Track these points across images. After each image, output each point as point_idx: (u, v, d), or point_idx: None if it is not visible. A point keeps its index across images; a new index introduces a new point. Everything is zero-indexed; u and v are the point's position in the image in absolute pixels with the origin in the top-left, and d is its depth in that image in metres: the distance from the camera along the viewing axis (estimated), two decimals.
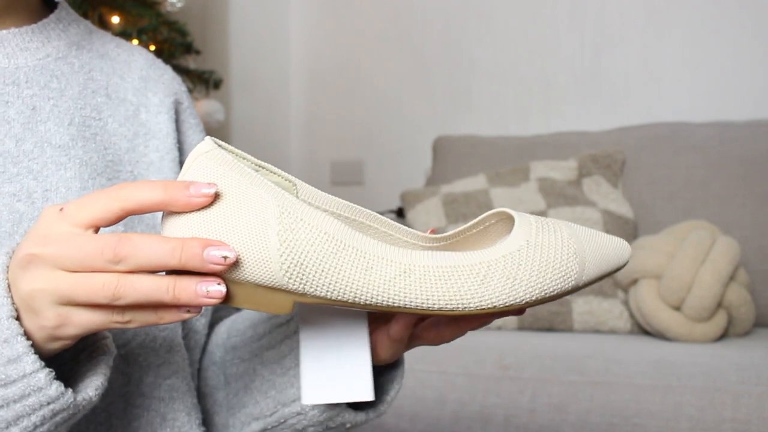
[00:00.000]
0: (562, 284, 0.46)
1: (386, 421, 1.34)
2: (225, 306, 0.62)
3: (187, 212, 0.45)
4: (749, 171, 1.75)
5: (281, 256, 0.44)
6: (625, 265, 0.50)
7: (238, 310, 0.73)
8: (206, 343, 0.71)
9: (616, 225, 1.73)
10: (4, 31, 0.62)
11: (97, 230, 0.45)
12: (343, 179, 2.72)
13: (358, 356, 0.53)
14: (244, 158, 0.48)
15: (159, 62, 0.73)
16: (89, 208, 0.44)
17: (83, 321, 0.44)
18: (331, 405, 0.58)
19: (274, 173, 0.49)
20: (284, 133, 2.79)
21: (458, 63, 2.50)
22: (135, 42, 1.78)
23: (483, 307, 0.46)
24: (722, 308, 1.48)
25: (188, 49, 1.99)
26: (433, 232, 0.52)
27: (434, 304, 0.45)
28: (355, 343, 0.54)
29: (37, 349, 0.46)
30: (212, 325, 0.72)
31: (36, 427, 0.46)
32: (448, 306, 0.45)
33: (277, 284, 0.45)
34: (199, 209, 0.44)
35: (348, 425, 0.60)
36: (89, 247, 0.43)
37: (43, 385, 0.44)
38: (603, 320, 1.60)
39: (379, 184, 2.64)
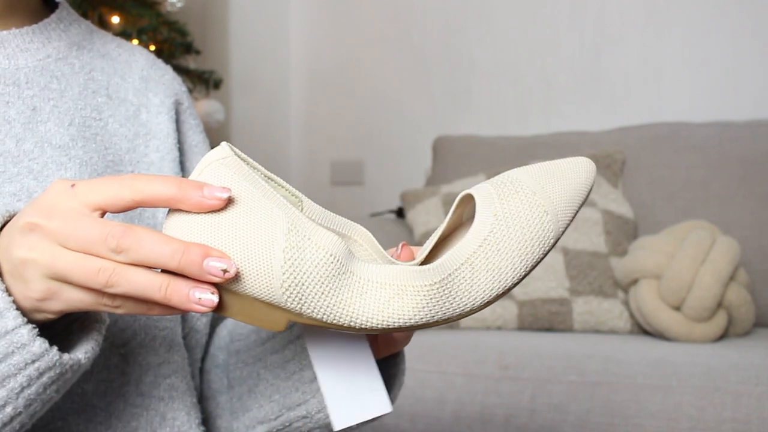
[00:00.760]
0: (543, 247, 0.46)
1: (386, 421, 1.34)
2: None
3: (195, 213, 0.44)
4: (749, 171, 1.75)
5: (284, 273, 0.43)
6: (593, 185, 0.49)
7: None
8: (208, 344, 0.71)
9: (616, 225, 1.73)
10: (5, 32, 0.62)
11: (103, 214, 0.45)
12: (343, 179, 2.72)
13: (369, 374, 0.54)
14: (255, 168, 0.47)
15: (160, 62, 0.73)
16: (101, 191, 0.44)
17: (71, 299, 0.44)
18: None
19: (282, 186, 0.49)
20: (284, 133, 2.79)
21: (458, 63, 2.50)
22: (135, 42, 1.78)
23: (475, 308, 0.46)
24: (722, 308, 1.48)
25: (188, 49, 1.99)
26: (404, 245, 0.51)
27: (430, 319, 0.45)
28: (362, 360, 0.54)
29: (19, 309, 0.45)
30: (213, 326, 0.72)
31: (23, 388, 0.45)
32: (444, 318, 0.45)
33: (274, 301, 0.44)
34: (208, 212, 0.44)
35: (353, 428, 0.61)
36: (95, 231, 0.43)
37: (26, 341, 0.44)
38: (603, 320, 1.60)
39: (379, 184, 2.64)
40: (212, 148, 0.75)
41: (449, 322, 0.46)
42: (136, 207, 0.44)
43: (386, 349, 0.57)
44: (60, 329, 0.50)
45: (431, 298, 0.45)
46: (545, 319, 1.62)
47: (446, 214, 1.82)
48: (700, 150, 1.82)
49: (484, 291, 0.45)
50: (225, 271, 0.43)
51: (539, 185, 0.47)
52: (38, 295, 0.44)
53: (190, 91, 1.96)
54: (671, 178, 1.82)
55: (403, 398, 1.33)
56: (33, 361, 0.44)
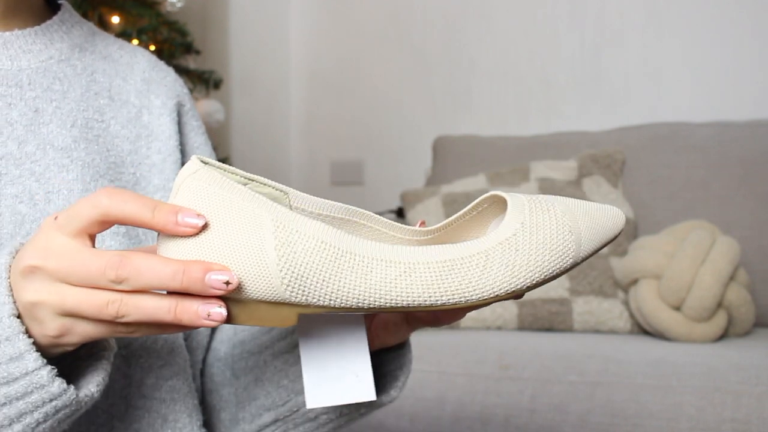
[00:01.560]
0: (561, 263, 0.47)
1: (386, 421, 1.34)
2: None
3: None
4: (749, 171, 1.75)
5: (281, 270, 0.44)
6: (620, 233, 0.50)
7: None
8: (209, 342, 0.71)
9: None
10: (8, 33, 0.62)
11: (93, 239, 0.45)
12: (343, 179, 2.72)
13: (357, 357, 0.54)
14: (233, 173, 0.47)
15: (161, 64, 0.73)
16: (76, 217, 0.44)
17: (86, 331, 0.45)
18: None
19: (265, 185, 0.49)
20: (284, 133, 2.79)
21: (458, 63, 2.50)
22: (135, 42, 1.78)
23: (485, 297, 0.46)
24: (722, 308, 1.48)
25: (188, 49, 1.99)
26: (423, 224, 0.52)
27: (437, 300, 0.45)
28: (354, 343, 0.54)
29: (39, 350, 0.46)
30: None
31: (39, 423, 0.46)
32: (451, 300, 0.45)
33: (279, 298, 0.45)
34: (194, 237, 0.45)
35: (362, 410, 0.61)
36: (92, 265, 0.43)
37: (45, 383, 0.45)
38: (603, 320, 1.60)
39: (379, 184, 2.64)
40: (214, 148, 0.76)
41: (456, 309, 0.46)
42: (112, 225, 0.45)
43: (383, 339, 0.58)
44: (68, 354, 0.50)
45: (440, 275, 0.45)
46: (545, 319, 1.62)
47: (446, 214, 1.82)
48: (700, 150, 1.82)
49: (496, 282, 0.46)
50: (227, 283, 0.43)
51: (570, 212, 0.48)
52: (54, 333, 0.45)
53: (190, 91, 1.96)
54: (671, 178, 1.82)
55: (403, 398, 1.33)
56: (51, 400, 0.45)
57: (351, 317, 0.54)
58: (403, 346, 0.62)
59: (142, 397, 0.60)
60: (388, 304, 0.45)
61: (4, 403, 0.45)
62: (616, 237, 0.50)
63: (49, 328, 0.45)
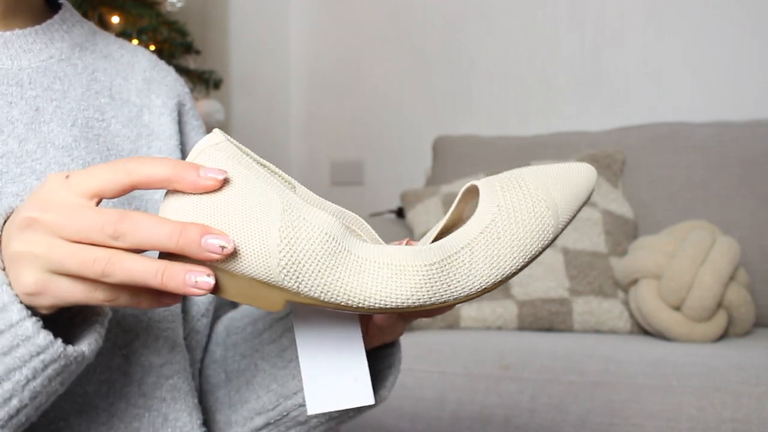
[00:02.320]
0: (542, 241, 0.47)
1: (386, 421, 1.34)
2: (218, 297, 0.63)
3: (190, 194, 0.45)
4: (749, 171, 1.75)
5: (280, 252, 0.44)
6: (593, 189, 0.50)
7: (234, 305, 0.73)
8: (207, 343, 0.71)
9: (616, 225, 1.73)
10: (8, 33, 0.62)
11: (99, 202, 0.45)
12: (343, 179, 2.72)
13: (355, 363, 0.54)
14: (247, 154, 0.48)
15: (162, 64, 0.73)
16: (95, 177, 0.44)
17: (62, 292, 0.44)
18: None
19: (275, 173, 0.49)
20: (284, 133, 2.79)
21: (458, 63, 2.50)
22: (135, 42, 1.78)
23: (472, 293, 0.46)
24: (722, 308, 1.48)
25: (188, 49, 1.99)
26: (409, 241, 0.52)
27: (426, 301, 0.46)
28: (351, 349, 0.54)
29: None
30: (212, 325, 0.72)
31: (28, 380, 0.45)
32: (440, 301, 0.46)
33: (272, 280, 0.45)
34: (203, 193, 0.44)
35: (351, 413, 0.61)
36: (92, 219, 0.43)
37: (31, 334, 0.44)
38: (603, 320, 1.60)
39: (379, 184, 2.64)
40: None
41: (445, 306, 0.46)
42: (132, 190, 0.45)
43: (380, 338, 0.58)
44: (62, 324, 0.50)
45: (429, 278, 0.45)
46: (545, 319, 1.62)
47: (446, 214, 1.82)
48: (700, 150, 1.82)
49: (482, 276, 0.46)
50: (223, 247, 0.43)
51: (542, 183, 0.48)
52: (29, 289, 0.44)
53: (190, 91, 1.96)
54: (671, 178, 1.82)
55: (403, 398, 1.33)
56: (38, 354, 0.44)
57: (347, 323, 0.54)
58: (392, 345, 0.62)
59: (142, 396, 0.60)
60: (376, 305, 0.45)
61: None
62: (590, 195, 0.50)
63: (26, 282, 0.44)
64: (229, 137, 0.47)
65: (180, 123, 0.71)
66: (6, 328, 0.44)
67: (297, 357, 0.60)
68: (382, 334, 0.57)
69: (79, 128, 0.62)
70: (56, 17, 0.66)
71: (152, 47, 1.89)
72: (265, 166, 0.49)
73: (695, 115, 2.09)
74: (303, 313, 0.54)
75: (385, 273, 0.45)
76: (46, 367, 0.45)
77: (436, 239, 0.52)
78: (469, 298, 0.46)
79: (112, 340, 0.58)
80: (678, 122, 1.95)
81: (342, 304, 0.45)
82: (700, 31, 2.16)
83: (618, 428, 1.20)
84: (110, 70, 0.68)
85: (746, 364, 1.23)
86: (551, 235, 0.48)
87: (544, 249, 0.48)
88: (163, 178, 0.44)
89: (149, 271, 0.43)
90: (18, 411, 0.45)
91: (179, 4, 1.89)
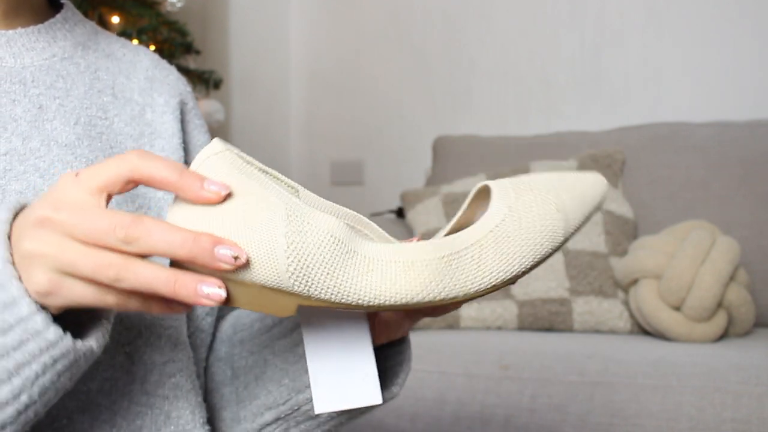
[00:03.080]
0: (551, 243, 0.48)
1: (386, 421, 1.34)
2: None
3: (195, 203, 0.45)
4: (749, 171, 1.75)
5: (288, 257, 0.44)
6: (604, 199, 0.50)
7: None
8: (212, 341, 0.71)
9: (616, 225, 1.73)
10: (11, 32, 0.62)
11: (109, 198, 0.45)
12: (343, 179, 2.72)
13: (363, 362, 0.54)
14: (250, 163, 0.48)
15: (164, 63, 0.73)
16: (102, 173, 0.44)
17: (73, 294, 0.44)
18: None
19: (278, 179, 0.50)
20: (284, 133, 2.79)
21: (458, 63, 2.50)
22: (135, 42, 1.78)
23: (481, 290, 0.46)
24: (722, 308, 1.48)
25: (188, 49, 1.99)
26: (420, 239, 0.52)
27: (435, 296, 0.46)
28: (359, 348, 0.54)
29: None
30: (217, 323, 0.72)
31: (38, 376, 0.44)
32: (450, 296, 0.46)
33: (282, 286, 0.45)
34: (207, 214, 0.45)
35: (363, 408, 0.61)
36: (103, 222, 0.43)
37: (40, 328, 0.44)
38: (603, 320, 1.60)
39: (379, 184, 2.64)
40: None
41: (453, 303, 0.47)
42: (137, 185, 0.45)
43: (387, 334, 0.58)
44: (69, 319, 0.49)
45: (438, 272, 0.46)
46: (545, 319, 1.62)
47: (446, 214, 1.82)
48: (700, 150, 1.82)
49: (491, 273, 0.46)
50: (236, 258, 0.43)
51: (553, 187, 0.49)
52: (42, 288, 0.44)
53: None
54: (671, 178, 1.82)
55: (403, 398, 1.33)
56: (47, 348, 0.44)
57: (355, 322, 0.54)
58: (402, 342, 0.62)
59: (145, 394, 0.60)
60: (386, 302, 0.45)
61: (2, 355, 0.44)
62: (601, 204, 0.50)
63: (39, 281, 0.43)
64: (230, 146, 0.47)
65: (182, 122, 0.71)
66: (16, 323, 0.43)
67: None
68: (388, 330, 0.57)
69: (83, 126, 0.62)
70: (58, 16, 0.66)
71: (152, 47, 1.89)
72: (267, 173, 0.49)
73: (695, 115, 2.09)
74: (310, 312, 0.54)
75: (393, 270, 0.45)
76: (55, 362, 0.45)
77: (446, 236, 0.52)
78: (478, 294, 0.47)
79: (115, 338, 0.58)
80: (678, 122, 1.95)
81: (353, 304, 0.45)
82: (700, 31, 2.16)
83: (618, 428, 1.20)
84: (113, 68, 0.68)
85: (746, 364, 1.23)
86: (561, 238, 0.48)
87: (553, 251, 0.48)
88: (167, 182, 0.44)
89: (161, 279, 0.43)
90: (27, 407, 0.45)
91: (179, 4, 1.89)
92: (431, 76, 2.54)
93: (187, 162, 0.70)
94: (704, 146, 1.83)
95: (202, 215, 0.44)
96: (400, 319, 0.56)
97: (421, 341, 1.43)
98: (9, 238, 0.44)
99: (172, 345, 0.63)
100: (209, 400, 0.69)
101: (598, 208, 0.50)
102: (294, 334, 0.62)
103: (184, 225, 0.45)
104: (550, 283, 1.62)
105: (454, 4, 2.50)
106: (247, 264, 0.44)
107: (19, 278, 0.44)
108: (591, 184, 0.50)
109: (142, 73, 0.70)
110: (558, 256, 1.66)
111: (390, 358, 0.62)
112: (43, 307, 0.45)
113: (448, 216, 1.80)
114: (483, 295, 0.47)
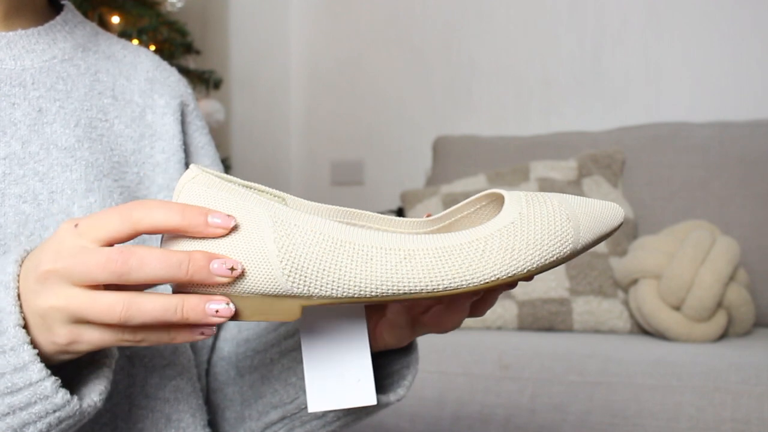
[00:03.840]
0: (560, 249, 0.47)
1: (386, 421, 1.34)
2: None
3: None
4: (749, 171, 1.75)
5: (281, 261, 0.44)
6: (619, 226, 0.50)
7: None
8: (214, 341, 0.71)
9: None
10: (11, 33, 0.62)
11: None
12: (343, 179, 2.72)
13: (359, 362, 0.54)
14: (231, 181, 0.48)
15: (165, 64, 0.73)
16: (103, 227, 0.44)
17: (93, 339, 0.45)
18: None
19: (262, 191, 0.50)
20: (284, 133, 2.79)
21: (458, 63, 2.50)
22: (135, 42, 1.78)
23: (487, 280, 0.46)
24: (722, 308, 1.48)
25: (188, 49, 1.99)
26: (429, 216, 0.53)
27: (438, 284, 0.46)
28: (356, 349, 0.54)
29: (44, 358, 0.46)
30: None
31: None
32: (452, 285, 0.46)
33: (282, 291, 0.45)
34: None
35: (369, 409, 0.61)
36: (94, 259, 0.43)
37: (49, 393, 0.45)
38: (603, 320, 1.60)
39: (379, 184, 2.65)
40: (217, 148, 0.76)
41: (459, 292, 0.46)
42: (140, 235, 0.45)
43: (390, 340, 0.58)
44: (71, 364, 0.50)
45: (441, 261, 0.46)
46: (545, 319, 1.62)
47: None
48: (700, 150, 1.82)
49: (495, 266, 0.46)
50: (232, 269, 0.44)
51: (567, 202, 0.49)
52: (63, 340, 0.45)
53: None
54: (671, 178, 1.82)
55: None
56: (54, 411, 0.45)
57: (353, 322, 0.54)
58: (409, 346, 0.62)
59: (145, 397, 0.60)
60: (390, 291, 0.45)
61: (8, 413, 0.45)
62: (615, 229, 0.50)
63: (59, 335, 0.44)
64: (205, 169, 0.48)
65: (183, 123, 0.71)
66: (25, 386, 0.44)
67: None
68: (389, 337, 0.57)
69: (83, 128, 0.62)
70: (58, 18, 0.66)
71: (152, 47, 1.89)
72: (250, 188, 0.49)
73: (695, 115, 2.09)
74: (309, 315, 0.54)
75: (394, 258, 0.45)
76: (60, 422, 0.46)
77: (445, 228, 0.52)
78: (482, 287, 0.46)
79: None
80: (678, 122, 1.95)
81: (356, 296, 0.45)
82: (700, 31, 2.16)
83: (618, 428, 1.20)
84: (113, 70, 0.68)
85: (746, 364, 1.23)
86: (570, 247, 0.47)
87: (560, 260, 0.47)
88: (172, 227, 0.44)
89: (168, 308, 0.43)
90: None
91: (179, 4, 1.89)
92: (431, 76, 2.54)
93: (187, 163, 0.70)
94: (704, 146, 1.83)
95: (190, 240, 0.45)
96: (403, 326, 0.56)
97: (421, 341, 1.42)
98: (18, 296, 0.45)
99: (173, 348, 0.63)
100: (212, 400, 0.69)
101: (610, 233, 0.50)
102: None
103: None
104: (550, 282, 1.62)
105: (454, 4, 2.50)
106: (243, 274, 0.44)
107: (31, 343, 0.44)
108: (607, 209, 0.50)
109: (142, 75, 0.70)
110: None
111: (396, 361, 0.62)
112: (54, 368, 0.46)
113: None
114: (486, 289, 0.47)
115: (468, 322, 1.63)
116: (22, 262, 0.46)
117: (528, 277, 0.47)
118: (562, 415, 1.24)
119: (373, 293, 0.45)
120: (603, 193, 1.80)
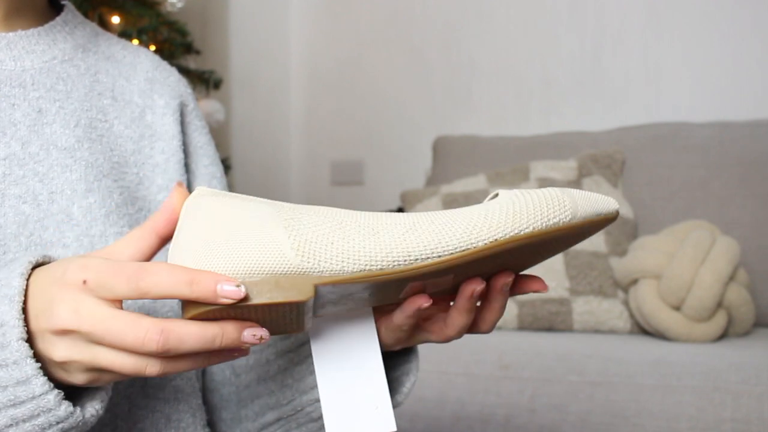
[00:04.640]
0: (560, 214, 0.48)
1: None
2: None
3: (190, 240, 0.46)
4: (749, 171, 1.76)
5: (291, 240, 0.46)
6: (616, 214, 0.51)
7: None
8: None
9: (616, 225, 1.73)
10: (11, 34, 0.62)
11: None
12: (343, 179, 2.72)
13: (376, 388, 0.54)
14: (234, 197, 0.50)
15: (165, 64, 0.73)
16: (110, 290, 0.44)
17: (114, 379, 0.46)
18: None
19: (263, 203, 0.52)
20: (284, 133, 2.79)
21: (458, 63, 2.50)
22: (135, 42, 1.78)
23: (496, 237, 0.47)
24: (722, 308, 1.48)
25: (188, 49, 1.99)
26: None
27: (446, 248, 0.46)
28: (372, 376, 0.54)
29: (47, 371, 0.46)
30: None
31: None
32: (460, 247, 0.46)
33: (293, 268, 0.46)
34: (203, 236, 0.46)
35: None
36: (129, 335, 0.43)
37: (52, 406, 0.45)
38: (603, 320, 1.60)
39: (379, 184, 2.65)
40: (217, 148, 0.76)
41: (466, 255, 0.47)
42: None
43: (389, 335, 0.58)
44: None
45: (446, 228, 0.47)
46: (545, 319, 1.62)
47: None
48: (700, 150, 1.83)
49: (499, 226, 0.47)
50: (261, 338, 0.46)
51: (562, 189, 0.50)
52: (83, 382, 0.46)
53: None
54: (671, 178, 1.82)
55: None
56: (57, 423, 0.46)
57: (368, 348, 0.54)
58: (410, 352, 0.61)
59: (145, 397, 0.60)
60: (399, 260, 0.46)
61: (10, 425, 0.45)
62: (612, 216, 0.50)
63: (78, 378, 0.45)
64: (213, 190, 0.50)
65: (183, 123, 0.71)
66: (28, 399, 0.45)
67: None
68: (389, 334, 0.57)
69: (83, 129, 0.62)
70: (59, 18, 0.66)
71: (152, 47, 1.89)
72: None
73: (695, 115, 2.09)
74: (323, 340, 0.54)
75: (400, 229, 0.47)
76: None
77: None
78: (492, 245, 0.47)
79: None
80: (678, 122, 1.95)
81: (366, 269, 0.46)
82: (700, 31, 2.16)
83: (618, 428, 1.20)
84: (112, 71, 0.68)
85: (746, 364, 1.23)
86: (569, 214, 0.48)
87: (562, 228, 0.48)
88: (181, 296, 0.44)
89: (198, 364, 0.46)
90: None
91: (179, 4, 1.89)
92: (431, 76, 2.54)
93: (186, 163, 0.70)
94: (704, 146, 1.83)
95: (204, 248, 0.46)
96: (403, 332, 0.56)
97: None
98: (23, 310, 0.45)
99: None
100: (209, 400, 0.69)
101: (607, 217, 0.50)
102: (298, 335, 0.61)
103: (189, 262, 0.45)
104: (550, 283, 1.62)
105: (454, 4, 2.50)
106: (254, 259, 0.45)
107: (34, 356, 0.45)
108: (603, 198, 0.51)
109: (142, 75, 0.70)
110: (558, 256, 1.66)
111: (397, 367, 0.62)
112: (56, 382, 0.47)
113: None
114: (493, 253, 0.47)
115: None
116: (29, 276, 0.47)
117: (535, 251, 0.48)
118: (562, 415, 1.24)
119: (383, 265, 0.46)
120: (603, 193, 1.79)
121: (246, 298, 0.45)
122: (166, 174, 0.67)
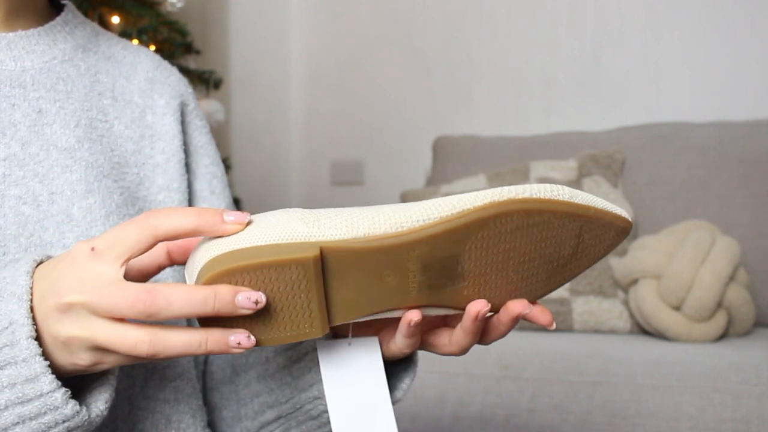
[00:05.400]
0: (558, 192, 0.49)
1: None
2: None
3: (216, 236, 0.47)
4: (749, 171, 1.75)
5: (302, 222, 0.48)
6: (628, 223, 0.51)
7: None
8: None
9: None
10: (11, 34, 0.62)
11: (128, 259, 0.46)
12: (343, 179, 2.72)
13: (384, 424, 0.55)
14: None
15: (165, 64, 0.73)
16: (121, 242, 0.45)
17: (117, 361, 0.47)
18: None
19: None
20: (284, 133, 2.79)
21: (458, 63, 2.50)
22: (135, 42, 1.78)
23: (496, 199, 0.48)
24: (722, 308, 1.48)
25: (188, 49, 1.99)
26: None
27: (443, 212, 0.48)
28: (383, 419, 0.55)
29: (55, 369, 0.47)
30: None
31: None
32: (456, 209, 0.48)
33: (300, 236, 0.47)
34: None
35: None
36: (121, 297, 0.44)
37: (59, 405, 0.46)
38: (603, 320, 1.60)
39: (379, 184, 2.64)
40: (217, 148, 0.76)
41: (471, 215, 0.48)
42: (159, 242, 0.47)
43: (388, 341, 0.58)
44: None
45: (446, 200, 0.49)
46: None
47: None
48: (700, 150, 1.82)
49: (500, 193, 0.48)
50: (257, 302, 0.45)
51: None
52: (86, 364, 0.46)
53: None
54: (671, 178, 1.82)
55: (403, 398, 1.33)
56: (64, 421, 0.46)
57: (377, 391, 0.55)
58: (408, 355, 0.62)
59: (145, 398, 0.60)
60: (402, 223, 0.48)
61: (18, 422, 0.46)
62: (620, 217, 0.50)
63: (81, 359, 0.46)
64: None
65: (183, 123, 0.71)
66: (36, 397, 0.45)
67: (312, 350, 0.61)
68: (394, 344, 0.57)
69: (83, 129, 0.62)
70: (59, 18, 0.66)
71: (152, 47, 1.89)
72: None
73: (695, 115, 2.09)
74: (335, 384, 0.55)
75: (399, 205, 0.49)
76: (70, 431, 0.47)
77: None
78: (485, 207, 0.48)
79: None
80: (678, 122, 1.95)
81: (368, 235, 0.47)
82: (700, 31, 2.16)
83: (618, 428, 1.20)
84: (113, 71, 0.68)
85: (746, 364, 1.23)
86: (567, 195, 0.49)
87: (559, 207, 0.48)
88: (189, 229, 0.46)
89: (192, 344, 0.45)
90: None
91: (179, 4, 1.89)
92: (431, 76, 2.54)
93: (187, 163, 0.70)
94: (704, 146, 1.83)
95: (225, 241, 0.47)
96: (406, 336, 0.56)
97: None
98: (32, 309, 0.46)
99: None
100: (209, 399, 0.69)
101: (616, 218, 0.50)
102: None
103: (212, 250, 0.46)
104: None
105: (454, 4, 2.50)
106: (262, 234, 0.47)
107: (42, 354, 0.45)
108: (614, 205, 0.51)
109: (142, 75, 0.70)
110: None
111: (396, 364, 0.62)
112: (62, 377, 0.47)
113: None
114: (491, 218, 0.48)
115: None
116: (33, 273, 0.47)
117: (543, 236, 0.48)
118: (562, 415, 1.24)
119: (384, 227, 0.48)
120: (603, 193, 1.80)
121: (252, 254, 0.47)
122: (166, 174, 0.67)
